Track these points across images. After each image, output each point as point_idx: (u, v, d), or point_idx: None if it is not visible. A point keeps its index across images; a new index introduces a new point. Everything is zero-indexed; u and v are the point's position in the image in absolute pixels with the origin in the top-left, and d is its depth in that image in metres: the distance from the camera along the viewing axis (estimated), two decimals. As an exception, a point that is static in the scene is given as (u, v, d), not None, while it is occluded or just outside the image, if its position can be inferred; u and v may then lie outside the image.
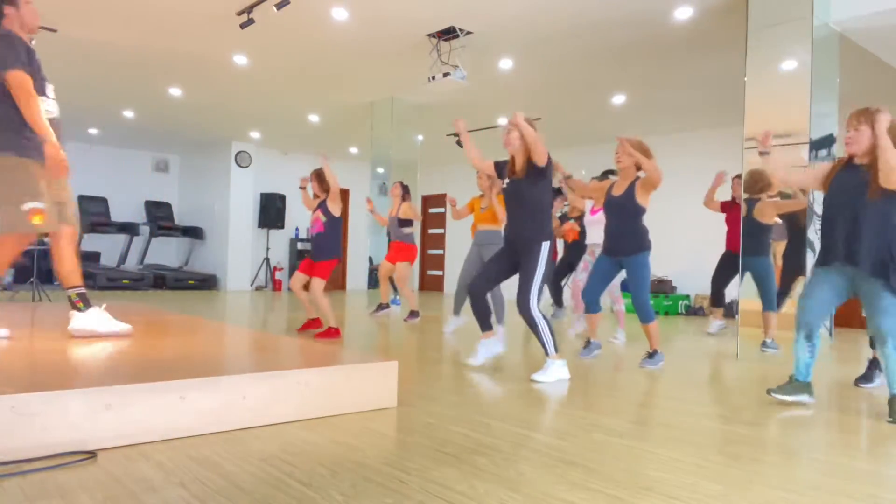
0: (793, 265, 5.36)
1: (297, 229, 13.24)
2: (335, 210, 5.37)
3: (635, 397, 3.37)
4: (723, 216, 6.42)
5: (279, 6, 5.45)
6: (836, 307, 3.21)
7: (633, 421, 2.79)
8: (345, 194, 10.55)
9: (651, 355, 4.38)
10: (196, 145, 12.60)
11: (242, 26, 5.93)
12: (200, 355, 3.00)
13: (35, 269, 8.39)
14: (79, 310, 3.40)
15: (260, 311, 8.16)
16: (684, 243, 9.53)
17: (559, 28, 6.08)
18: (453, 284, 13.37)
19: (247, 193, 12.50)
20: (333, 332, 5.31)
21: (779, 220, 5.32)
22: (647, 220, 4.40)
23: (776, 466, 2.18)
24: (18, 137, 3.04)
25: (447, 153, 11.84)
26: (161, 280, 11.85)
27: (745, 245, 5.30)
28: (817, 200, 4.87)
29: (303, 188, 5.82)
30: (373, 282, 9.94)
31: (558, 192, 7.28)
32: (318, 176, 5.52)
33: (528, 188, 3.82)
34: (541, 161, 3.75)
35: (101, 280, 11.01)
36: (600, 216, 5.39)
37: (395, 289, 8.06)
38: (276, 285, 12.83)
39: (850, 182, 3.03)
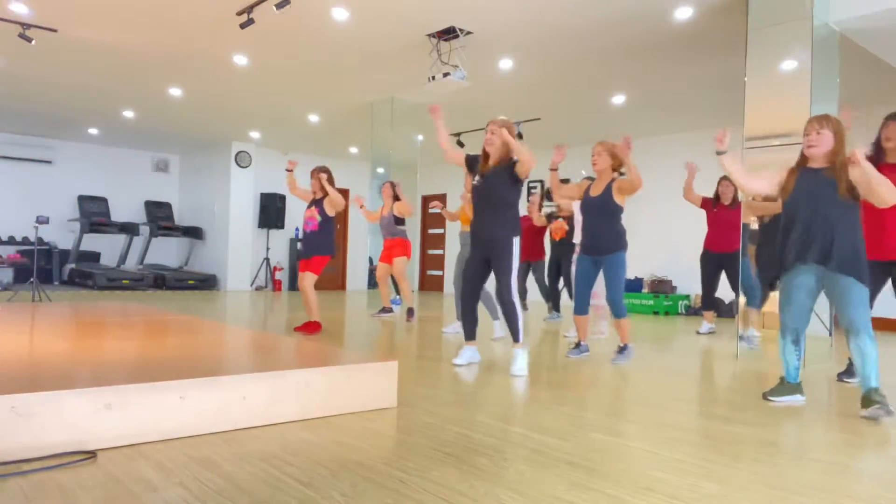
0: (770, 264, 5.36)
1: (297, 229, 13.24)
2: (331, 211, 5.58)
3: (635, 397, 3.37)
4: (704, 214, 6.46)
5: (279, 6, 5.45)
6: (813, 306, 3.29)
7: (633, 421, 2.79)
8: (344, 194, 10.53)
9: (622, 349, 4.52)
10: (196, 145, 12.61)
11: (242, 26, 5.92)
12: (200, 355, 3.00)
13: (35, 269, 8.40)
14: None
15: (260, 311, 8.16)
16: (684, 243, 9.52)
17: (559, 28, 6.08)
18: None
19: (247, 193, 12.50)
20: (315, 326, 5.56)
21: (761, 220, 5.30)
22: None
23: (776, 466, 2.18)
24: None
25: (447, 153, 11.84)
26: (161, 280, 11.85)
27: (744, 245, 5.31)
28: None
29: (290, 170, 5.87)
30: (372, 282, 9.94)
31: (547, 193, 7.27)
32: (320, 179, 5.58)
33: (500, 187, 3.97)
34: (523, 176, 3.96)
35: (100, 280, 11.01)
36: None
37: (396, 289, 8.05)
38: (276, 285, 12.83)
39: (814, 185, 3.13)
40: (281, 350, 3.45)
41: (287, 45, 6.78)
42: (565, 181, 5.16)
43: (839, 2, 4.92)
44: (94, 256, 12.34)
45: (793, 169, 3.26)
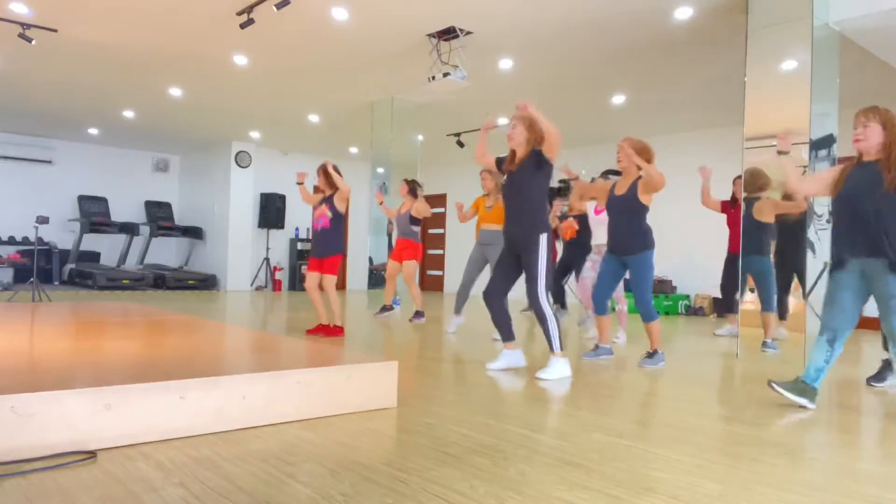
0: (787, 265, 5.35)
1: (297, 229, 13.24)
2: (341, 207, 5.45)
3: (636, 397, 3.37)
4: (723, 217, 6.39)
5: (279, 6, 5.45)
6: (860, 308, 3.14)
7: (633, 421, 2.79)
8: (345, 194, 10.52)
9: (651, 355, 4.40)
10: (196, 145, 12.60)
11: (242, 26, 5.92)
12: (200, 355, 3.00)
13: (35, 269, 8.40)
14: None
15: (260, 311, 8.16)
16: (684, 243, 9.53)
17: (559, 28, 6.08)
18: (453, 284, 13.39)
19: (247, 193, 12.49)
20: (338, 331, 5.44)
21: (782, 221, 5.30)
22: (648, 220, 4.40)
23: (776, 466, 2.18)
24: None
25: (447, 153, 11.85)
26: (161, 280, 11.85)
27: (744, 244, 5.29)
28: (818, 202, 4.87)
29: (300, 183, 5.72)
30: (373, 282, 9.94)
31: (559, 192, 7.25)
32: (326, 173, 5.49)
33: (527, 180, 3.91)
34: (550, 154, 3.85)
35: (100, 280, 11.01)
36: (605, 216, 5.40)
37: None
38: (276, 285, 12.83)
39: (864, 179, 3.02)
40: (281, 350, 3.45)
41: (287, 45, 6.78)
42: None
43: (839, 2, 4.92)
44: (94, 256, 12.34)
45: (847, 165, 3.15)
